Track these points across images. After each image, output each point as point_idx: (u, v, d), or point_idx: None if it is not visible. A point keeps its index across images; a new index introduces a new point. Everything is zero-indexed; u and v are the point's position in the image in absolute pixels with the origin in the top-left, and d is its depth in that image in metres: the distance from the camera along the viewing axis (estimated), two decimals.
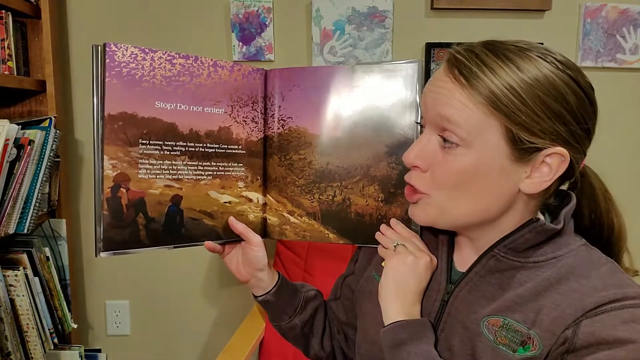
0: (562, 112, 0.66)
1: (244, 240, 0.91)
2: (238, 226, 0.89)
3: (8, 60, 1.58)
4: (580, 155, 0.70)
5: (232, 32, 1.84)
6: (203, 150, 0.87)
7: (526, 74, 0.65)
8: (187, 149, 0.86)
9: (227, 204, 0.90)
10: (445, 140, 0.69)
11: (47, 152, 1.55)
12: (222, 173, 0.89)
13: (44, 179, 1.55)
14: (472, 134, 0.67)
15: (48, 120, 1.58)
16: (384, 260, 0.85)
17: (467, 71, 0.66)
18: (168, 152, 0.84)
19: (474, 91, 0.66)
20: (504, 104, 0.65)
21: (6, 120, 1.37)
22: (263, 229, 0.95)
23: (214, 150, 0.88)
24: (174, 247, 0.86)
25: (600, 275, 0.69)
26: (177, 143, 0.85)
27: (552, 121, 0.65)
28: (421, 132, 0.76)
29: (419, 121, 0.78)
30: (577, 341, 0.63)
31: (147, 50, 0.82)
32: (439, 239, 0.83)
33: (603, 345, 0.62)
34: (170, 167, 0.84)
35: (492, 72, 0.65)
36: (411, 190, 0.75)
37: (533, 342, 0.66)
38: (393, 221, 0.88)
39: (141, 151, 0.82)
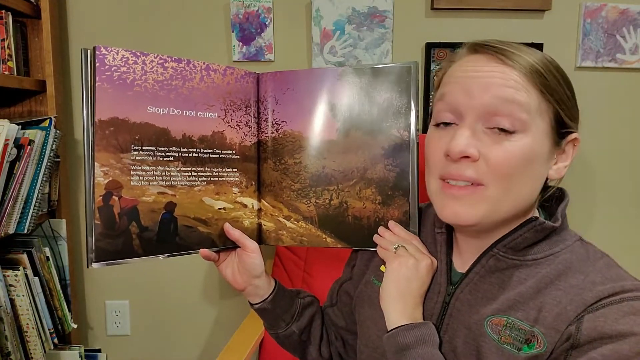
0: (574, 98, 0.71)
1: (239, 247, 0.90)
2: (234, 233, 0.88)
3: (8, 60, 1.58)
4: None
5: (232, 32, 1.84)
6: (196, 155, 0.86)
7: (553, 63, 0.69)
8: (180, 154, 0.84)
9: (221, 211, 0.89)
10: (497, 128, 0.68)
11: (47, 152, 1.55)
12: (217, 179, 0.88)
13: (44, 179, 1.55)
14: (531, 115, 0.67)
15: (48, 120, 1.58)
16: (382, 264, 0.85)
17: (512, 55, 0.68)
18: (161, 158, 0.82)
19: (528, 72, 0.67)
20: (554, 90, 0.68)
21: (6, 120, 1.37)
22: (258, 235, 0.94)
23: (207, 155, 0.87)
24: (168, 256, 0.84)
25: (597, 269, 0.70)
26: (170, 148, 0.83)
27: (576, 106, 0.70)
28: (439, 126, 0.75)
29: (438, 122, 0.74)
30: (580, 337, 0.64)
31: (138, 54, 0.81)
32: (437, 241, 0.83)
33: (606, 340, 0.63)
34: (164, 173, 0.83)
35: (529, 56, 0.68)
36: (454, 184, 0.72)
37: (537, 339, 0.67)
38: (391, 223, 0.87)
39: (133, 157, 0.80)
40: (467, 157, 0.69)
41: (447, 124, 0.73)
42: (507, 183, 0.68)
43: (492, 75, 0.68)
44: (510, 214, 0.71)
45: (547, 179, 0.74)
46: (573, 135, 0.71)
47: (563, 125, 0.69)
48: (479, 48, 0.71)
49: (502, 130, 0.67)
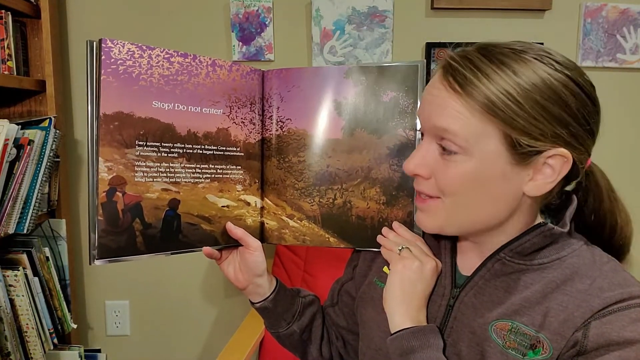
0: (562, 114, 0.65)
1: (241, 246, 0.89)
2: (237, 231, 0.87)
3: (8, 60, 1.57)
4: (584, 156, 0.69)
5: (232, 32, 1.84)
6: (201, 152, 0.85)
7: (522, 78, 0.64)
8: (184, 150, 0.83)
9: (225, 208, 0.88)
10: (444, 148, 0.69)
11: (47, 152, 1.55)
12: (220, 176, 0.87)
13: (44, 179, 1.55)
14: (470, 142, 0.66)
15: (48, 120, 1.58)
16: (385, 265, 0.84)
17: (462, 78, 0.66)
18: (165, 154, 0.81)
19: (469, 98, 0.65)
20: (501, 110, 0.64)
21: (6, 120, 1.37)
22: (261, 234, 0.93)
23: (212, 152, 0.86)
24: (171, 254, 0.83)
25: (604, 274, 0.69)
26: (175, 144, 0.82)
27: (551, 124, 0.64)
28: (422, 138, 0.76)
29: (418, 129, 0.78)
30: (587, 343, 0.64)
31: (144, 48, 0.80)
32: (442, 243, 0.82)
33: (613, 346, 0.62)
34: (168, 169, 0.82)
35: (487, 78, 0.64)
36: (422, 197, 0.75)
37: (543, 345, 0.66)
38: (396, 224, 0.87)
39: (138, 153, 0.79)
40: (420, 175, 0.73)
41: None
42: (457, 199, 0.70)
43: (435, 102, 0.69)
44: (476, 225, 0.72)
45: (557, 188, 0.72)
46: (550, 152, 0.66)
47: (520, 145, 0.65)
48: (444, 65, 0.70)
49: (447, 151, 0.69)
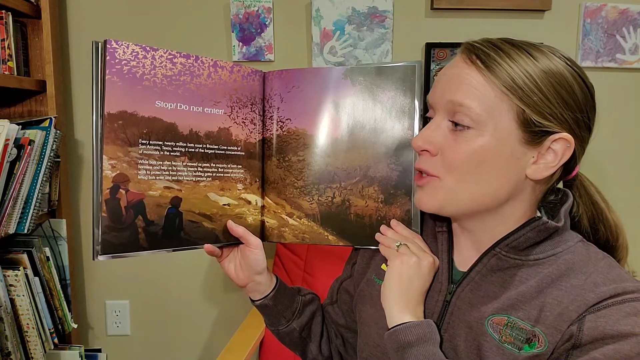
0: (570, 101, 0.69)
1: (242, 243, 0.90)
2: (238, 229, 0.88)
3: (8, 60, 1.58)
4: (581, 148, 0.73)
5: (232, 32, 1.84)
6: (203, 151, 0.86)
7: (541, 63, 0.68)
8: (187, 149, 0.84)
9: (226, 207, 0.89)
10: (456, 124, 0.71)
11: (47, 152, 1.55)
12: (222, 175, 0.88)
13: (44, 179, 1.55)
14: (483, 115, 0.69)
15: (48, 120, 1.58)
16: (383, 262, 0.84)
17: (484, 55, 0.69)
18: (168, 153, 0.83)
19: (489, 73, 0.69)
20: (520, 87, 0.67)
21: (6, 120, 1.37)
22: (261, 232, 0.94)
23: (213, 151, 0.87)
24: (173, 251, 0.84)
25: (599, 270, 0.70)
26: (177, 143, 0.83)
27: (561, 107, 0.68)
28: (425, 123, 0.78)
29: (426, 115, 0.79)
30: (582, 337, 0.65)
31: (148, 49, 0.81)
32: (439, 239, 0.84)
33: (608, 340, 0.63)
34: (170, 168, 0.83)
35: (509, 57, 0.69)
36: (420, 175, 0.77)
37: (539, 339, 0.67)
38: (393, 222, 0.87)
39: (141, 151, 0.80)
40: (427, 150, 0.75)
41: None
42: (460, 175, 0.72)
43: (452, 77, 0.72)
44: (477, 204, 0.73)
45: (557, 175, 0.75)
46: (556, 136, 0.69)
47: (533, 123, 0.68)
48: (466, 46, 0.73)
49: (460, 126, 0.71)
